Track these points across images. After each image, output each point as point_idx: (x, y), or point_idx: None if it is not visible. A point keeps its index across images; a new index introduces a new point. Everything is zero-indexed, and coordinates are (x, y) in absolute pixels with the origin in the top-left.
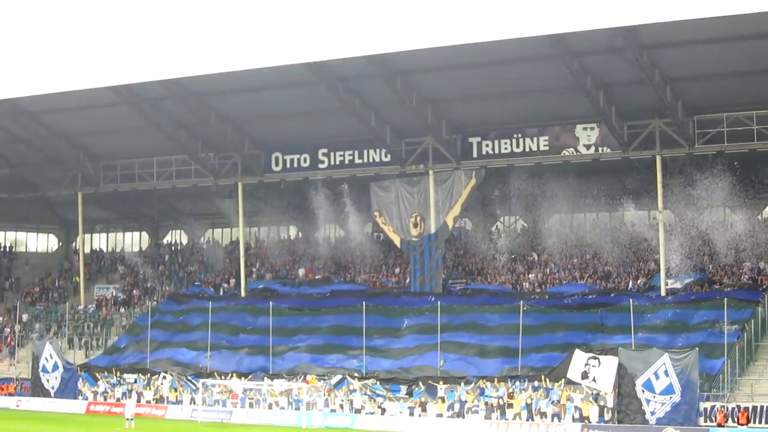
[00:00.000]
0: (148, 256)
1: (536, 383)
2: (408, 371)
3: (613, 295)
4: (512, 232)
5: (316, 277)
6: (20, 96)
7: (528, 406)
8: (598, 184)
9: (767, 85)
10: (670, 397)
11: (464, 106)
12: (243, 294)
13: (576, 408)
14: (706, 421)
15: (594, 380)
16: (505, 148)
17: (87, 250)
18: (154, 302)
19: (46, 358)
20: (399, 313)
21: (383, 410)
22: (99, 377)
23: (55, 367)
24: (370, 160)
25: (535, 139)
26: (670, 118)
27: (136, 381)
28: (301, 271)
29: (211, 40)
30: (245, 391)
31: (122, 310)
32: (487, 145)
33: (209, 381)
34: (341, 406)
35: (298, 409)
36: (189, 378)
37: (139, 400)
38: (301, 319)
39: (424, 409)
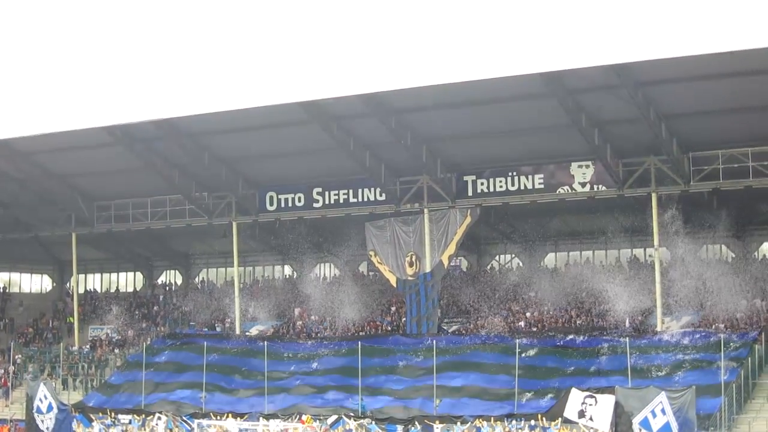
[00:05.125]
0: (143, 296)
1: (533, 422)
2: (404, 411)
3: (608, 334)
4: (507, 270)
5: (311, 317)
6: (14, 136)
7: None
8: (594, 221)
9: (762, 121)
10: None
11: (459, 144)
12: (238, 334)
13: None
14: None
15: (591, 419)
16: (500, 187)
17: (81, 290)
18: (149, 342)
19: (41, 399)
20: (394, 353)
21: None
22: (93, 418)
23: (50, 408)
24: (365, 199)
25: (530, 177)
26: (665, 156)
27: (130, 422)
28: (297, 311)
29: (205, 80)
30: (241, 431)
31: (117, 350)
32: (482, 184)
33: (205, 421)
34: None
35: None
36: (184, 418)
37: None
38: (297, 359)
39: None
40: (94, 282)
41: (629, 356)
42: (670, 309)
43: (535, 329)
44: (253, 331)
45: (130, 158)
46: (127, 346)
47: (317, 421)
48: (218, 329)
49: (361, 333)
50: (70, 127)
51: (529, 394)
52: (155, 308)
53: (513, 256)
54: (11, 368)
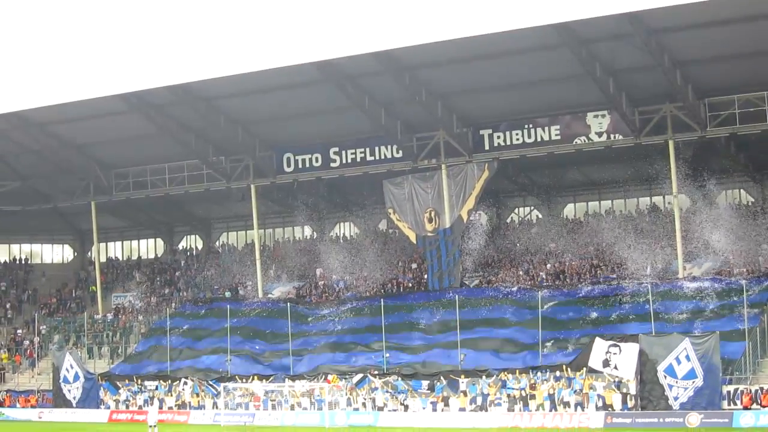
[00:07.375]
0: (164, 262)
1: (558, 373)
2: (429, 366)
3: (629, 283)
4: (527, 223)
5: (333, 277)
6: (29, 108)
7: (551, 397)
8: (612, 171)
9: None
10: (693, 382)
11: (474, 98)
12: (261, 296)
13: (599, 396)
14: (729, 405)
15: (616, 368)
16: (517, 139)
17: (102, 258)
18: (172, 308)
19: (67, 369)
20: (417, 309)
21: (406, 407)
22: (120, 386)
23: (76, 377)
24: (382, 157)
25: (546, 128)
26: (681, 102)
27: (157, 388)
28: (319, 271)
29: (217, 44)
30: (267, 393)
31: (140, 317)
32: (498, 137)
33: (231, 385)
34: (364, 404)
35: (320, 409)
36: (210, 383)
37: (161, 407)
38: (320, 319)
39: (446, 404)
40: (115, 250)
41: (651, 304)
42: (691, 255)
43: (557, 281)
44: (275, 292)
45: (145, 125)
46: (151, 313)
47: (343, 380)
48: (241, 292)
49: (383, 291)
50: (85, 96)
51: (552, 345)
52: (177, 274)
53: (532, 208)
54: (36, 339)
